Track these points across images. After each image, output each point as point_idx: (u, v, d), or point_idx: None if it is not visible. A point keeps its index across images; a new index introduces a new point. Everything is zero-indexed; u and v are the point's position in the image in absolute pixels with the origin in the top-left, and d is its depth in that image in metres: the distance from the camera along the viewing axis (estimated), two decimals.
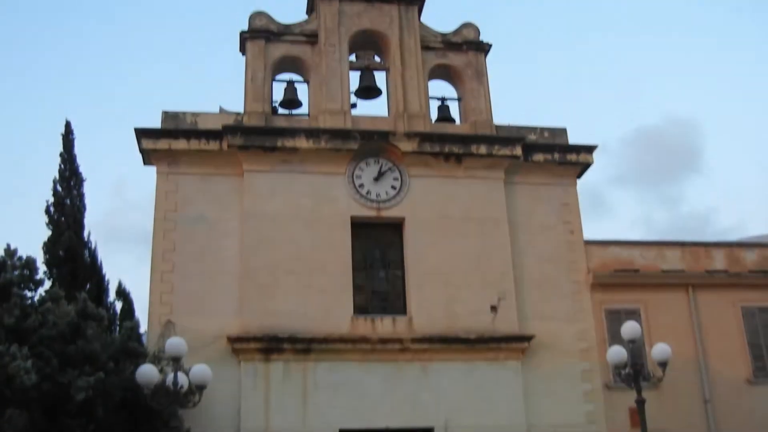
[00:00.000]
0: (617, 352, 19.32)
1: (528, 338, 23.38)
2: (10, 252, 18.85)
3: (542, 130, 26.35)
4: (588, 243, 25.23)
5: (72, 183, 24.72)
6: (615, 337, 22.22)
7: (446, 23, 27.33)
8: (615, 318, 23.97)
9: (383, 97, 26.59)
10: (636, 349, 19.81)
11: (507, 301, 23.70)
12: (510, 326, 23.47)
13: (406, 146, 24.62)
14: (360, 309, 23.39)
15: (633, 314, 23.90)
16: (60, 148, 25.06)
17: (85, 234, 24.76)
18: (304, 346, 22.26)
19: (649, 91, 77.56)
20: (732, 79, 77.84)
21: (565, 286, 24.53)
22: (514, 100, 64.55)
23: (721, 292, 25.36)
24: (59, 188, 24.43)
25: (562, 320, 24.05)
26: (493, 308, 23.51)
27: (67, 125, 25.21)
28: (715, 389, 24.32)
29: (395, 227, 24.61)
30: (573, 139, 26.37)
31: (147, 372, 17.77)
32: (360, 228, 24.19)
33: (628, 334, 19.47)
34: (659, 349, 19.41)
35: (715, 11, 78.40)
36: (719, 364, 24.53)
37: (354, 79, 26.17)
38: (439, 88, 27.33)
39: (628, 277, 25.03)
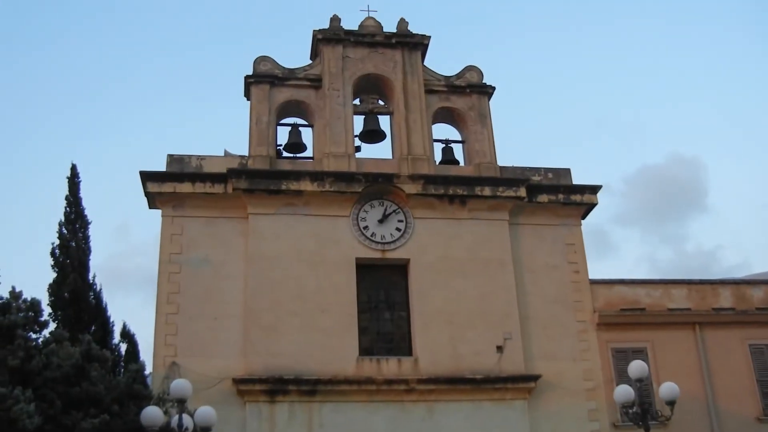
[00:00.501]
0: (624, 391, 19.17)
1: (534, 378, 23.26)
2: (15, 294, 18.84)
3: (546, 171, 26.49)
4: (593, 282, 25.20)
5: (77, 226, 24.79)
6: (622, 376, 22.17)
7: (449, 66, 27.67)
8: (622, 357, 23.85)
9: (387, 140, 26.82)
10: (643, 388, 19.73)
11: (513, 342, 23.64)
12: (516, 366, 23.37)
13: (411, 188, 24.73)
14: (365, 350, 23.34)
15: (640, 353, 23.86)
16: (66, 191, 25.20)
17: (90, 276, 24.82)
18: (310, 387, 22.16)
19: (653, 130, 78.02)
20: (735, 118, 78.30)
21: (571, 325, 24.47)
22: (518, 141, 65.03)
23: (728, 329, 25.22)
24: (65, 231, 24.50)
25: (569, 360, 23.97)
26: (499, 348, 23.42)
27: (73, 168, 25.36)
28: (725, 428, 24.07)
29: (400, 269, 24.62)
30: (577, 179, 26.59)
31: (152, 414, 17.68)
32: (365, 270, 24.24)
33: (635, 373, 19.33)
34: (667, 388, 19.22)
35: (718, 51, 78.94)
36: (728, 402, 24.31)
37: (358, 122, 26.49)
38: (443, 130, 27.59)
39: (634, 316, 24.92)
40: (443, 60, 36.78)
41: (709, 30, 79.18)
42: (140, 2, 78.01)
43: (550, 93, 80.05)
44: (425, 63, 27.25)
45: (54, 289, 23.70)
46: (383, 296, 24.48)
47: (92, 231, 25.39)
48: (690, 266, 68.83)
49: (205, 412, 18.05)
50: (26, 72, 75.09)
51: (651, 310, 25.15)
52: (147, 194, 24.04)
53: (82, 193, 25.47)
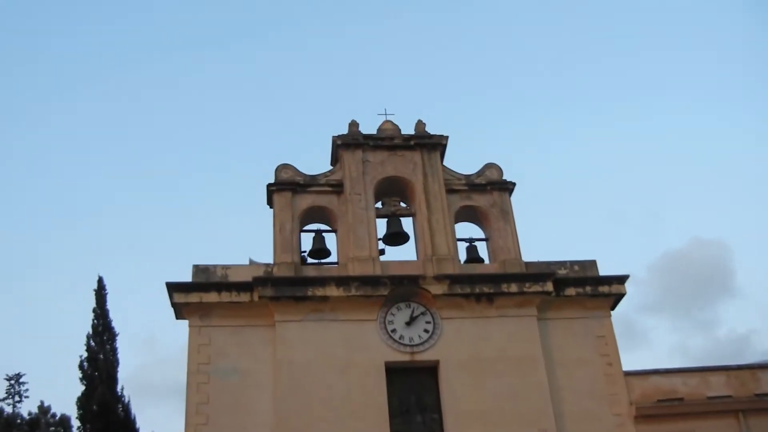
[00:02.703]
0: None
1: None
2: (44, 409, 18.92)
3: (572, 263, 26.33)
4: (628, 374, 24.69)
5: (105, 338, 24.94)
6: None
7: (469, 164, 27.82)
8: None
9: (411, 241, 26.88)
10: None
11: None
12: None
13: (437, 289, 24.60)
14: None
15: None
16: (93, 304, 25.35)
17: (119, 388, 24.80)
18: None
19: (672, 216, 77.72)
20: (755, 197, 77.67)
21: (608, 419, 23.90)
22: (541, 235, 64.95)
23: None
24: (93, 343, 24.66)
25: None
26: None
27: (100, 281, 25.66)
28: None
29: (430, 371, 24.27)
30: (602, 270, 26.41)
31: None
32: (394, 373, 23.91)
33: None
34: None
35: (734, 130, 79.01)
36: None
37: (381, 225, 26.54)
38: (466, 229, 27.63)
39: (672, 406, 24.31)
40: (462, 157, 37.06)
41: (722, 107, 79.58)
42: (163, 109, 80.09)
43: (567, 185, 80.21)
44: (444, 162, 27.47)
45: (83, 402, 23.71)
46: (414, 399, 24.06)
47: (120, 342, 25.44)
48: (724, 352, 67.50)
49: None
50: (52, 183, 76.67)
51: (689, 399, 24.56)
52: (174, 305, 24.08)
53: (109, 305, 25.62)
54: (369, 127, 27.68)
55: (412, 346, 24.06)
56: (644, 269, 75.51)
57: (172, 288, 23.92)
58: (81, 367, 23.98)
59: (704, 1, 77.09)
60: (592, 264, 26.45)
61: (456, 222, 26.79)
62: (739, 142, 79.20)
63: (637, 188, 79.71)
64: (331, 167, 27.32)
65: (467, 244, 26.88)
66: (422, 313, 24.53)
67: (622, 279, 25.77)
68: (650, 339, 72.22)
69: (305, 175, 26.60)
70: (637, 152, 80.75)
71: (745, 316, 75.05)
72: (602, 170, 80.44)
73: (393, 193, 27.09)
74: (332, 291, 24.15)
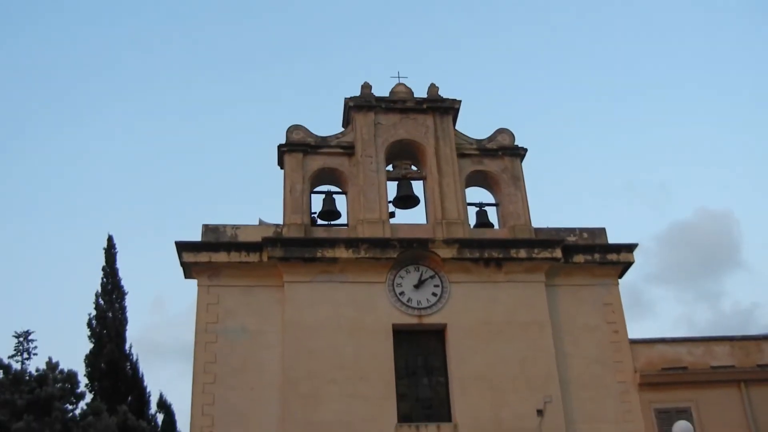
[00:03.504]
0: None
1: None
2: (51, 365, 19.05)
3: (581, 231, 26.30)
4: (633, 342, 24.76)
5: (114, 296, 25.09)
6: None
7: (481, 129, 27.70)
8: (665, 418, 23.30)
9: (421, 205, 26.85)
10: None
11: (553, 405, 23.18)
12: (557, 430, 22.88)
13: (446, 253, 24.62)
14: (404, 417, 23.00)
15: (684, 413, 23.30)
16: (102, 262, 25.48)
17: (127, 347, 25.04)
18: None
19: (679, 187, 77.36)
20: (764, 169, 77.06)
21: (612, 386, 24.00)
22: (551, 202, 64.79)
23: None
24: (101, 302, 24.81)
25: (611, 422, 23.44)
26: (540, 412, 22.96)
27: (110, 239, 25.77)
28: None
29: (437, 334, 24.38)
30: (610, 239, 26.32)
31: None
32: (402, 336, 24.01)
33: None
34: None
35: (741, 103, 78.43)
36: None
37: (392, 188, 26.50)
38: (477, 193, 27.64)
39: (676, 375, 24.39)
40: (475, 122, 36.97)
41: (732, 78, 78.94)
42: (171, 72, 79.85)
43: (578, 153, 79.89)
44: (456, 127, 27.40)
45: (91, 359, 23.93)
46: (421, 362, 24.20)
47: (128, 301, 25.59)
48: (729, 324, 67.31)
49: None
50: (63, 142, 76.87)
51: (693, 368, 24.62)
52: (183, 264, 24.17)
53: (119, 264, 25.71)
54: (382, 89, 27.64)
55: (420, 309, 24.14)
56: (652, 240, 75.30)
57: (182, 247, 23.99)
58: (89, 325, 24.18)
59: None
60: (601, 231, 26.42)
61: (467, 186, 26.78)
62: (747, 113, 78.47)
63: (645, 158, 79.23)
64: (343, 129, 27.28)
65: (477, 208, 26.89)
66: (431, 277, 24.58)
67: (630, 247, 25.72)
68: (656, 309, 72.31)
69: (316, 136, 26.56)
70: (646, 122, 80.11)
71: (750, 288, 74.94)
72: (613, 139, 79.95)
73: (404, 156, 27.04)
74: (342, 253, 24.21)
